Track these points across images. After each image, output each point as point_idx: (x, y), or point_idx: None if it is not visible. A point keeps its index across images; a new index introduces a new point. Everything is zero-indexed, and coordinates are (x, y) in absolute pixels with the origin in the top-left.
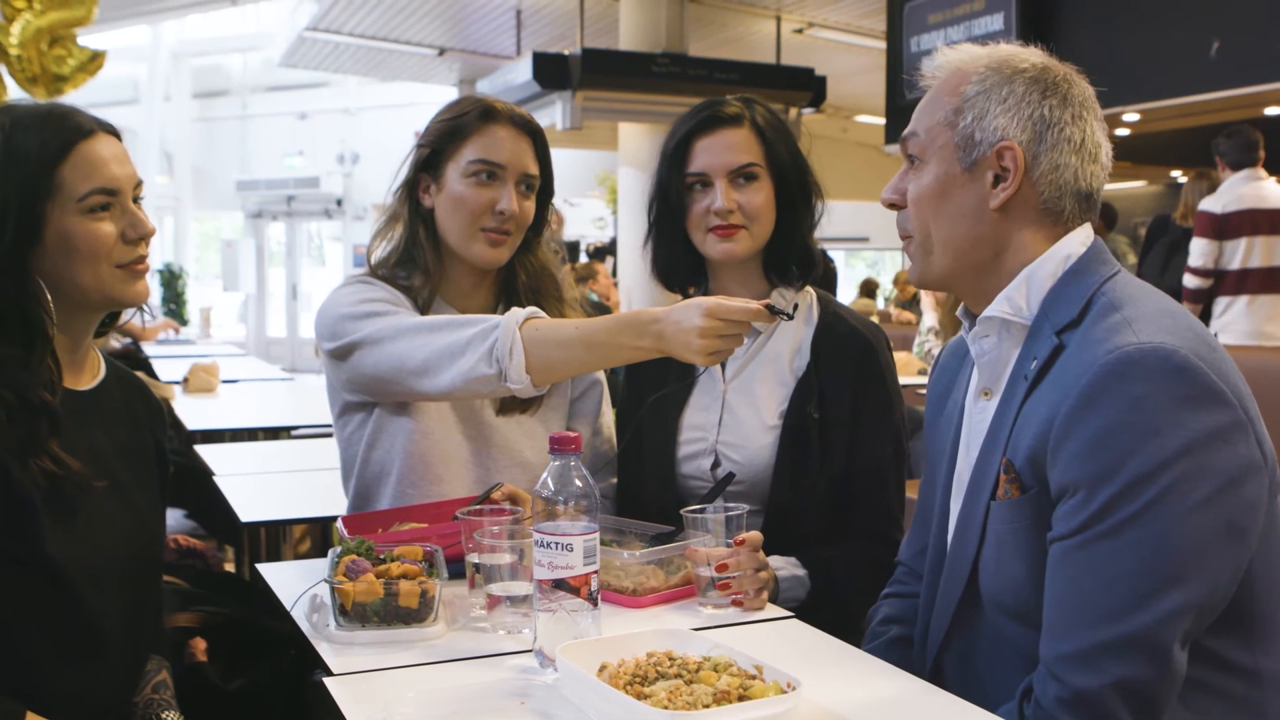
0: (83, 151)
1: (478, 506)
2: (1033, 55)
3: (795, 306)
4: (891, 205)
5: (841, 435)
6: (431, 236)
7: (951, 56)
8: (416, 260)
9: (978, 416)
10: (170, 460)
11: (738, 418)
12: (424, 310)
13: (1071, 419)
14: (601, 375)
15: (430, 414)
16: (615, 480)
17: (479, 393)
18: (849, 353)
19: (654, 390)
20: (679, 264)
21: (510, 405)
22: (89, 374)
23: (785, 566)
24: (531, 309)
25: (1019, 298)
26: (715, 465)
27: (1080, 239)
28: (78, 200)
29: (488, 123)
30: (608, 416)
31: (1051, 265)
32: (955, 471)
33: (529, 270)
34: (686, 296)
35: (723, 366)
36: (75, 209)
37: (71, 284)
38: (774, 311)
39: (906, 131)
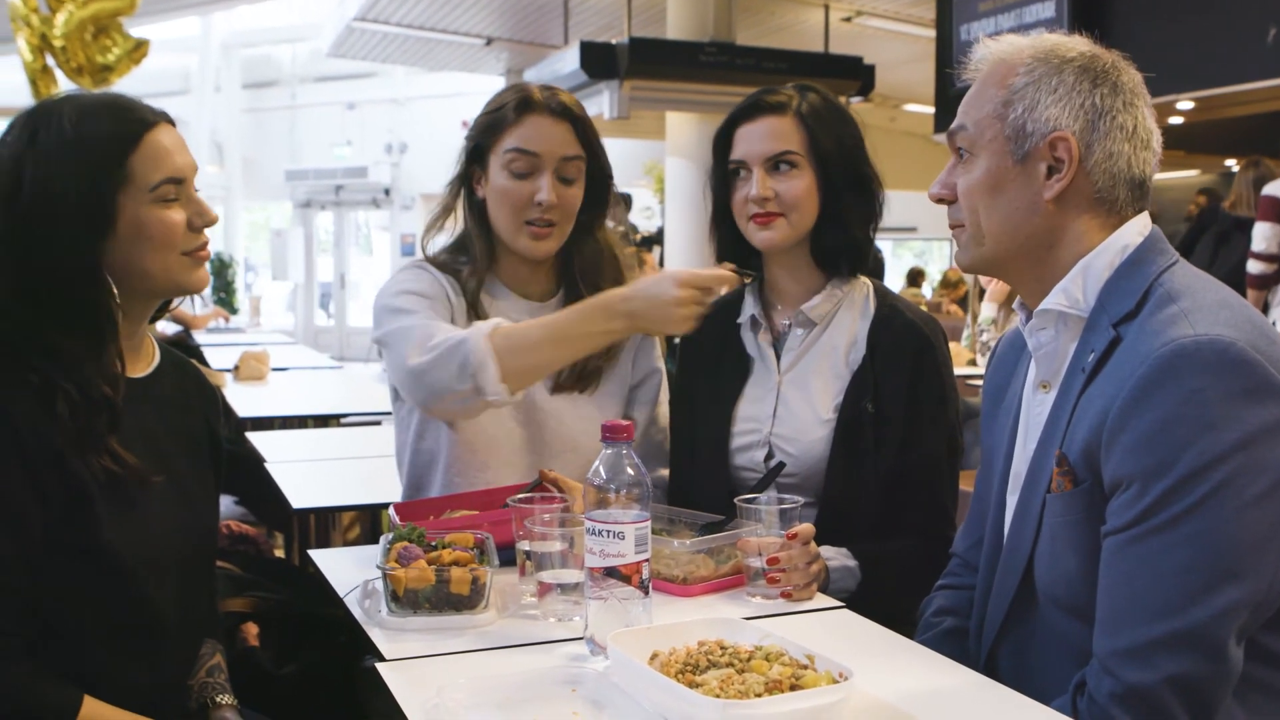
0: (151, 141)
1: (526, 495)
2: (1079, 44)
3: (759, 270)
4: (940, 200)
5: (896, 429)
6: (484, 227)
7: (995, 48)
8: (469, 250)
9: (1036, 409)
10: (224, 446)
11: (792, 410)
12: (475, 294)
13: (1126, 412)
14: (659, 363)
15: None
16: (666, 471)
17: (459, 410)
18: (906, 346)
19: (707, 379)
20: (732, 251)
21: (565, 383)
22: (144, 360)
23: (836, 557)
24: (496, 320)
25: (1075, 289)
26: (769, 457)
27: (1137, 228)
28: (150, 190)
29: (525, 113)
30: (665, 406)
31: (1108, 256)
32: (1012, 464)
33: (585, 254)
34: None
35: (778, 358)
36: (148, 198)
37: (139, 272)
38: (739, 273)
39: (954, 125)
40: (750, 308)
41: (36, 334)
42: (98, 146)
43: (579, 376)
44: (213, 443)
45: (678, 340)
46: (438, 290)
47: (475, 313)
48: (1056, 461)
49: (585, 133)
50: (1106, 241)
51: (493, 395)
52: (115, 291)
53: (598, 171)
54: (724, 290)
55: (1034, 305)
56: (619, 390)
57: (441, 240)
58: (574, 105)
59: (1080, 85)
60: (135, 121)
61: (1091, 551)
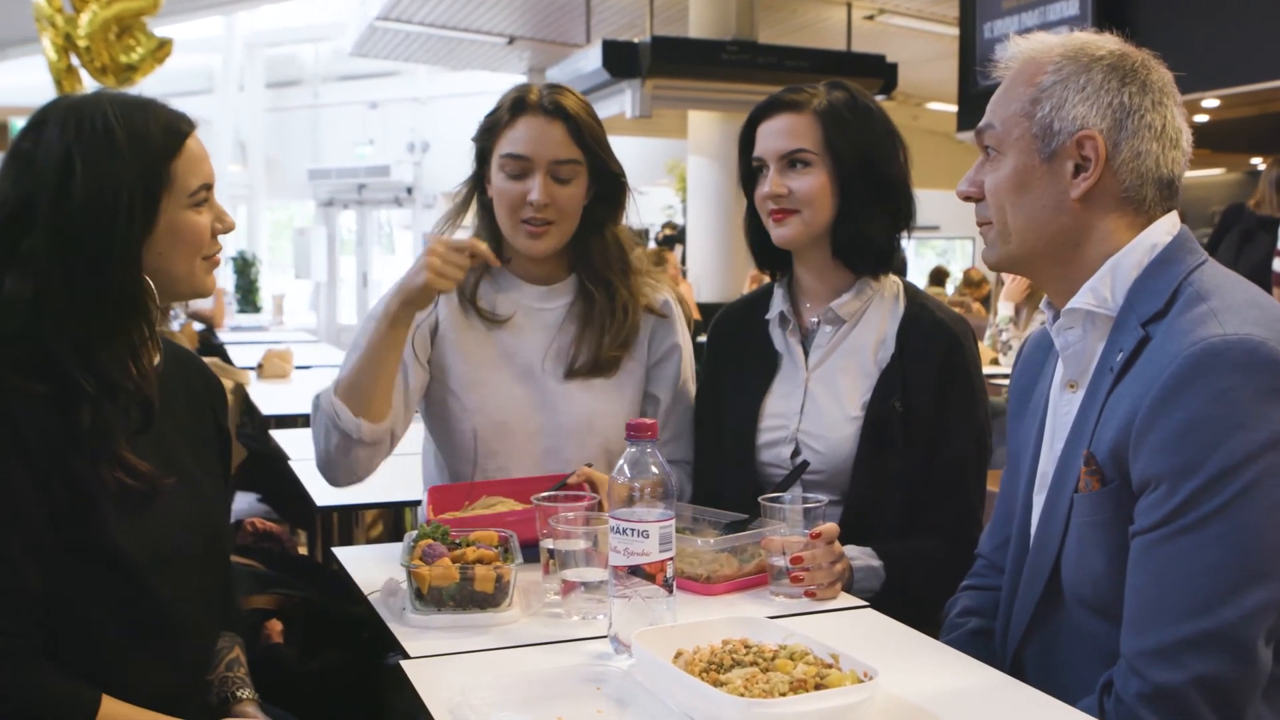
0: (189, 147)
1: (553, 493)
2: (1109, 42)
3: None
4: (968, 197)
5: (924, 429)
6: (490, 225)
7: (1024, 46)
8: None
9: (1063, 409)
10: (232, 439)
11: (820, 407)
12: (474, 289)
13: (1155, 411)
14: (681, 339)
15: (476, 390)
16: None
17: (349, 462)
18: (935, 345)
19: (733, 376)
20: (761, 246)
21: (580, 371)
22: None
23: (861, 556)
24: (336, 379)
25: (1104, 289)
26: (795, 454)
27: (1166, 228)
28: (189, 194)
29: (518, 115)
30: (691, 384)
31: (1137, 255)
32: (1039, 464)
33: (591, 250)
34: (774, 280)
35: (806, 355)
36: (185, 202)
37: (167, 274)
38: (494, 252)
39: (982, 124)
40: (779, 304)
41: (72, 332)
42: (149, 147)
43: (593, 365)
44: (220, 435)
45: (704, 339)
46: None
47: (474, 306)
48: (1084, 461)
49: (582, 133)
50: (1135, 240)
51: (357, 433)
52: (155, 292)
53: (602, 170)
54: (483, 259)
55: (1061, 304)
56: (637, 369)
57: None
58: (573, 105)
59: (1108, 84)
60: (176, 129)
61: (1119, 551)
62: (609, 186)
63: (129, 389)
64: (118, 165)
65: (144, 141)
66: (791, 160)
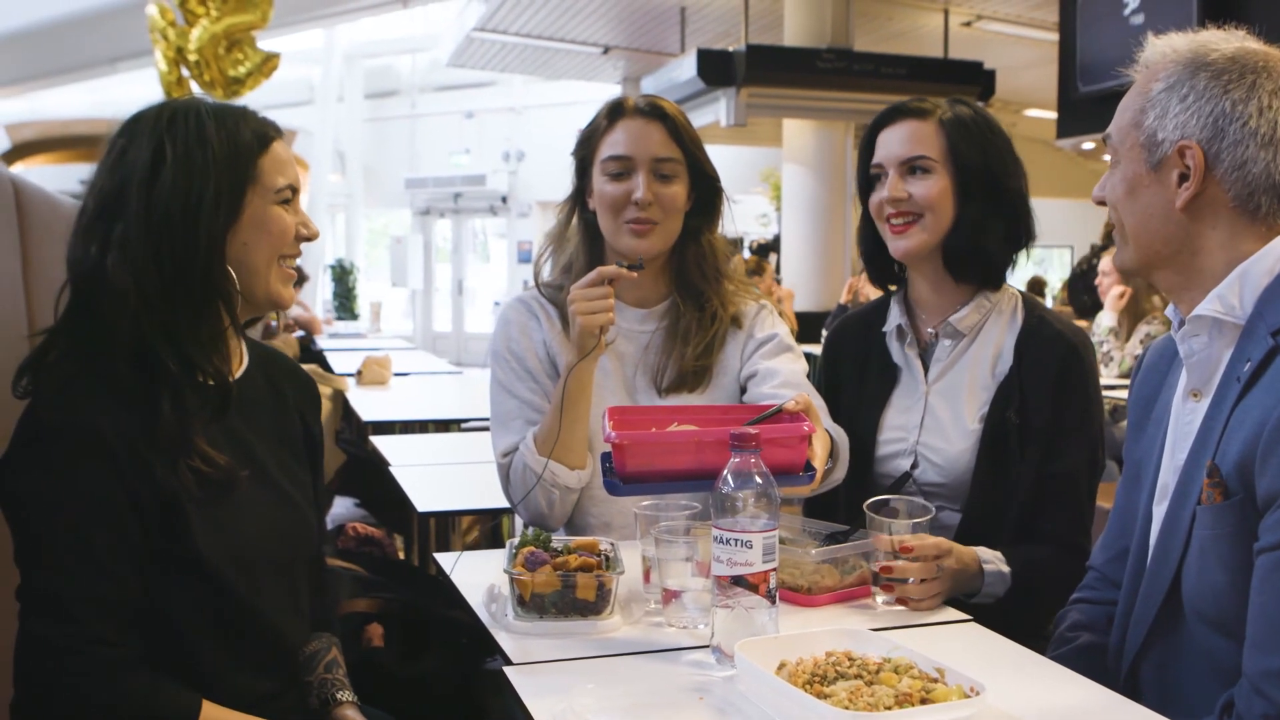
0: (276, 149)
1: (766, 418)
2: (1227, 43)
3: (640, 260)
4: (1100, 202)
5: (1040, 438)
6: (591, 240)
7: (1150, 52)
8: (572, 269)
9: (1186, 418)
10: (329, 444)
11: (940, 421)
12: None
13: None
14: (778, 328)
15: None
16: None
17: (567, 505)
18: (1052, 356)
19: (851, 388)
20: (874, 259)
21: (672, 386)
22: (233, 365)
23: (994, 561)
24: (526, 441)
25: (1231, 296)
26: (914, 466)
27: None
28: (275, 191)
29: (616, 120)
30: (800, 362)
31: (1268, 263)
32: (1160, 475)
33: (687, 258)
34: (888, 293)
35: (925, 369)
36: (272, 198)
37: (250, 268)
38: (623, 266)
39: (1105, 132)
40: (896, 317)
41: (161, 316)
42: (237, 143)
43: (679, 379)
44: (309, 440)
45: (819, 353)
46: (525, 341)
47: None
48: (1208, 473)
49: (680, 133)
50: (1266, 248)
51: (578, 483)
52: (237, 282)
53: (700, 175)
54: (616, 277)
55: (1186, 312)
56: (730, 385)
57: (552, 261)
58: (669, 108)
59: (1210, 91)
60: (264, 132)
61: (1242, 566)
62: (706, 192)
63: (209, 373)
64: (207, 155)
65: (233, 137)
66: (911, 166)
